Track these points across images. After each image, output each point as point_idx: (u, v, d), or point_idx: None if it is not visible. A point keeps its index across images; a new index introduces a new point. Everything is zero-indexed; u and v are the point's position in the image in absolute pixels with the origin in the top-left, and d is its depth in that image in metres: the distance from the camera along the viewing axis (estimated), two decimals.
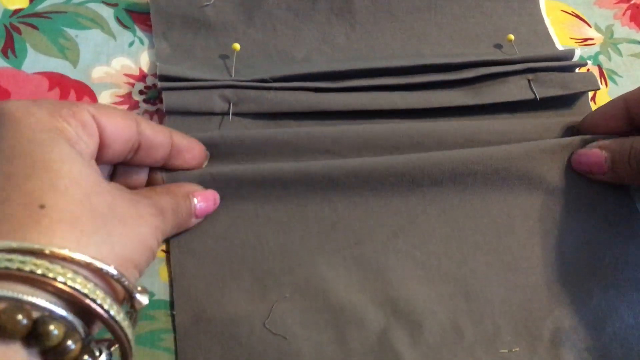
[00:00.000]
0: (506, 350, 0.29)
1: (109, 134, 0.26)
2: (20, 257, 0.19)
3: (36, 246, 0.19)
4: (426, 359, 0.29)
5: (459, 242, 0.32)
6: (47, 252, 0.20)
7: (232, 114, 0.35)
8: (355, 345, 0.29)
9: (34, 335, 0.19)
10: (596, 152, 0.34)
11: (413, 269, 0.31)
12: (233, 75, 0.36)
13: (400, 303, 0.30)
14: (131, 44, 0.38)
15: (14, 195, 0.21)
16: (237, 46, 0.36)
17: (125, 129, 0.26)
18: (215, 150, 0.32)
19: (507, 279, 0.31)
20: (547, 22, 0.43)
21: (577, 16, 0.45)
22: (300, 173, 0.32)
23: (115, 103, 0.35)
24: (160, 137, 0.28)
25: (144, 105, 0.35)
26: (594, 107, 0.40)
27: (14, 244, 0.19)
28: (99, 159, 0.26)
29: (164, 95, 0.34)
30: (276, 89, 0.35)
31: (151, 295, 0.29)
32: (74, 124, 0.24)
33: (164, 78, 0.34)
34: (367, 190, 0.33)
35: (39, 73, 0.35)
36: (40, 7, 0.38)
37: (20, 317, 0.18)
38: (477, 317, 0.30)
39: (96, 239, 0.22)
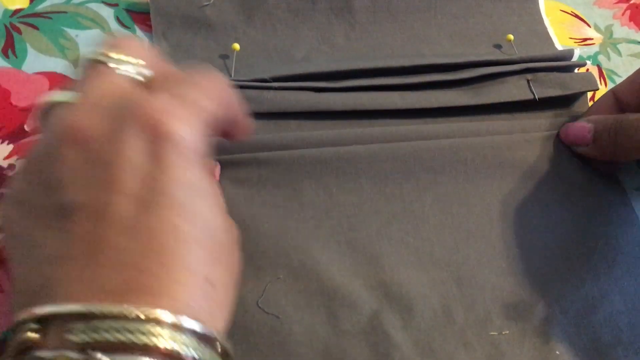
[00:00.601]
0: (496, 333, 0.30)
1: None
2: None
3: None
4: (417, 342, 0.29)
5: (452, 229, 0.33)
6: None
7: None
8: (347, 327, 0.29)
9: None
10: (581, 123, 0.35)
11: (406, 255, 0.32)
12: (233, 75, 0.36)
13: (393, 287, 0.30)
14: None
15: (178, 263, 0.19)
16: (236, 46, 0.36)
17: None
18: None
19: (499, 266, 0.32)
20: (547, 22, 0.43)
21: (577, 16, 0.45)
22: (296, 158, 0.33)
23: None
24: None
25: None
26: None
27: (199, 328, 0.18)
28: None
29: None
30: (276, 88, 0.35)
31: None
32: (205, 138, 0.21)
33: None
34: (362, 177, 0.33)
35: (39, 73, 0.35)
36: (40, 7, 0.38)
37: None
38: (468, 302, 0.31)
39: (224, 314, 0.21)
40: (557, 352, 0.30)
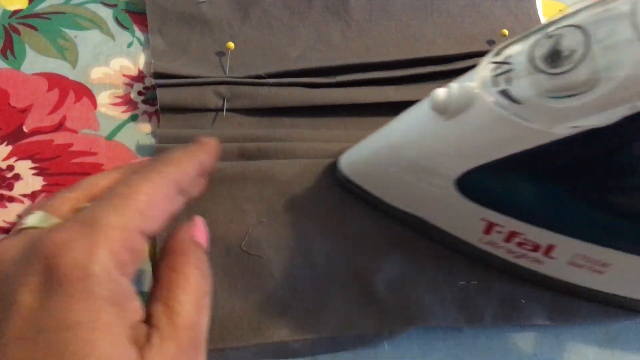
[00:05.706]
0: (464, 283, 0.31)
1: (153, 231, 0.22)
2: None
3: None
4: (394, 290, 0.30)
5: None
6: None
7: (226, 110, 0.35)
8: (325, 272, 0.30)
9: None
10: None
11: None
12: (227, 73, 0.36)
13: None
14: (130, 45, 0.38)
15: None
16: (231, 45, 0.37)
17: (167, 210, 0.23)
18: None
19: None
20: (544, 22, 0.43)
21: None
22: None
23: (114, 104, 0.35)
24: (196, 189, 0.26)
25: (142, 106, 0.36)
26: None
27: None
28: None
29: (158, 91, 0.34)
30: (270, 84, 0.35)
31: (142, 295, 0.29)
32: (129, 269, 0.21)
33: (158, 75, 0.35)
34: None
35: (38, 74, 0.36)
36: (39, 8, 0.38)
37: None
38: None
39: None
40: (522, 301, 0.30)
